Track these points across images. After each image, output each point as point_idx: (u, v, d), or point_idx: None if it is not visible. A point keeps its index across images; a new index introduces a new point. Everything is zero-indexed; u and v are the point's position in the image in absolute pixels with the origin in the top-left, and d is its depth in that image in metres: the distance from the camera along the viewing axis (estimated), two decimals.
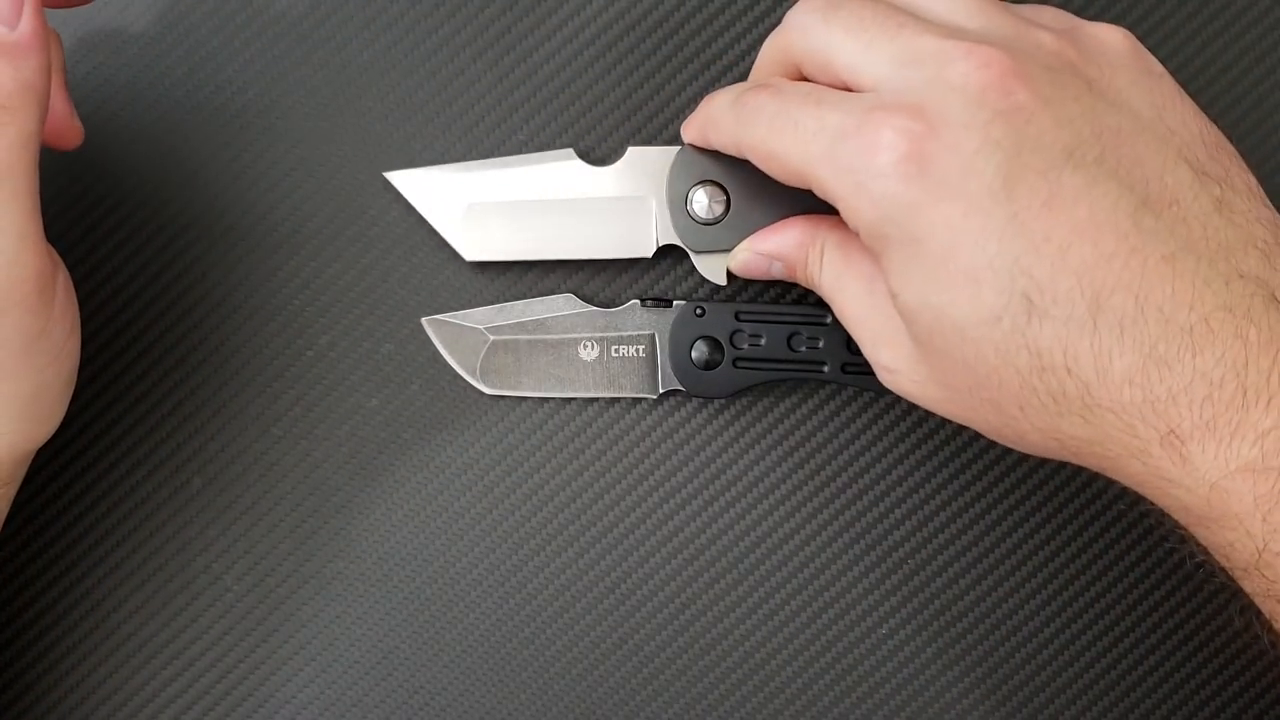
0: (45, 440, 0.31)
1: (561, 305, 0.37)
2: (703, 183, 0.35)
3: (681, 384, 0.36)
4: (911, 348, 0.30)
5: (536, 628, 0.37)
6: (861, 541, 0.37)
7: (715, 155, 0.36)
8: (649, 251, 0.36)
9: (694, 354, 0.36)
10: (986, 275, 0.27)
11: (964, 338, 0.28)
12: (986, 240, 0.27)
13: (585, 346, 0.36)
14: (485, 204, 0.36)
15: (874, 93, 0.28)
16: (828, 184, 0.29)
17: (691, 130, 0.34)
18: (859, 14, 0.29)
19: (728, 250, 0.36)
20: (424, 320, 0.37)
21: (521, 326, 0.36)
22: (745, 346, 0.36)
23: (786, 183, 0.31)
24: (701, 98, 0.37)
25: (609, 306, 0.37)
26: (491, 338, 0.36)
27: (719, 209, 0.35)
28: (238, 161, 0.37)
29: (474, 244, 0.36)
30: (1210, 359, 0.25)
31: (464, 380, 0.37)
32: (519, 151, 0.37)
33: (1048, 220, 0.26)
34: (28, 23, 0.27)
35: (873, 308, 0.31)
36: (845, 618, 0.37)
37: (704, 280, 0.36)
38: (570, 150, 0.36)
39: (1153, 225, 0.26)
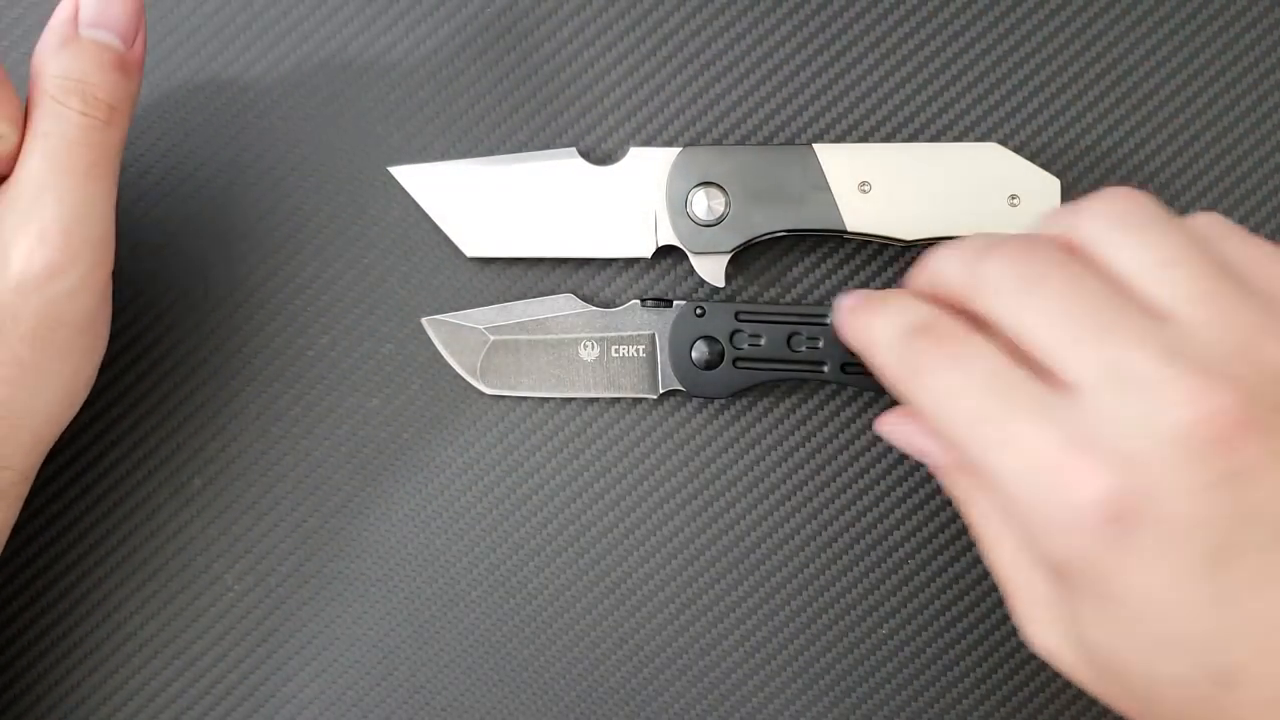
0: (61, 431, 0.32)
1: (562, 305, 0.36)
2: (703, 184, 0.35)
3: (681, 384, 0.36)
4: (1069, 633, 0.27)
5: (536, 628, 0.37)
6: (862, 541, 0.37)
7: (715, 156, 0.36)
8: (648, 252, 0.36)
9: (694, 354, 0.36)
10: (1183, 648, 0.24)
11: (1149, 687, 0.25)
12: (1189, 615, 0.24)
13: (585, 346, 0.36)
14: (487, 200, 0.36)
15: (1076, 414, 0.25)
16: (1009, 496, 0.26)
17: (852, 328, 0.30)
18: (1066, 297, 0.25)
19: (727, 252, 0.36)
20: (424, 320, 0.36)
21: (522, 326, 0.36)
22: (745, 346, 0.35)
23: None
24: (703, 98, 0.37)
25: (609, 307, 0.37)
26: (491, 338, 0.36)
27: (718, 210, 0.35)
28: (238, 161, 0.37)
29: (474, 240, 0.36)
30: None
31: (464, 380, 0.37)
32: (520, 152, 0.37)
33: (1259, 600, 0.24)
34: (140, 44, 0.31)
35: (1027, 570, 0.28)
36: (845, 618, 0.37)
37: (703, 281, 0.36)
38: (573, 149, 0.36)
39: None
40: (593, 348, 0.36)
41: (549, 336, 0.36)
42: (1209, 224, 0.27)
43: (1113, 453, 0.24)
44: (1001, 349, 0.26)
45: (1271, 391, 0.24)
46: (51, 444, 0.32)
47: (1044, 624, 0.27)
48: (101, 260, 0.30)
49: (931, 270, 0.29)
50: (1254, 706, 0.24)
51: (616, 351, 0.36)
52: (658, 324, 0.36)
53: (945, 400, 0.27)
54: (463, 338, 0.36)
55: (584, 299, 0.37)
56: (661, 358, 0.36)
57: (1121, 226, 0.26)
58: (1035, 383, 0.25)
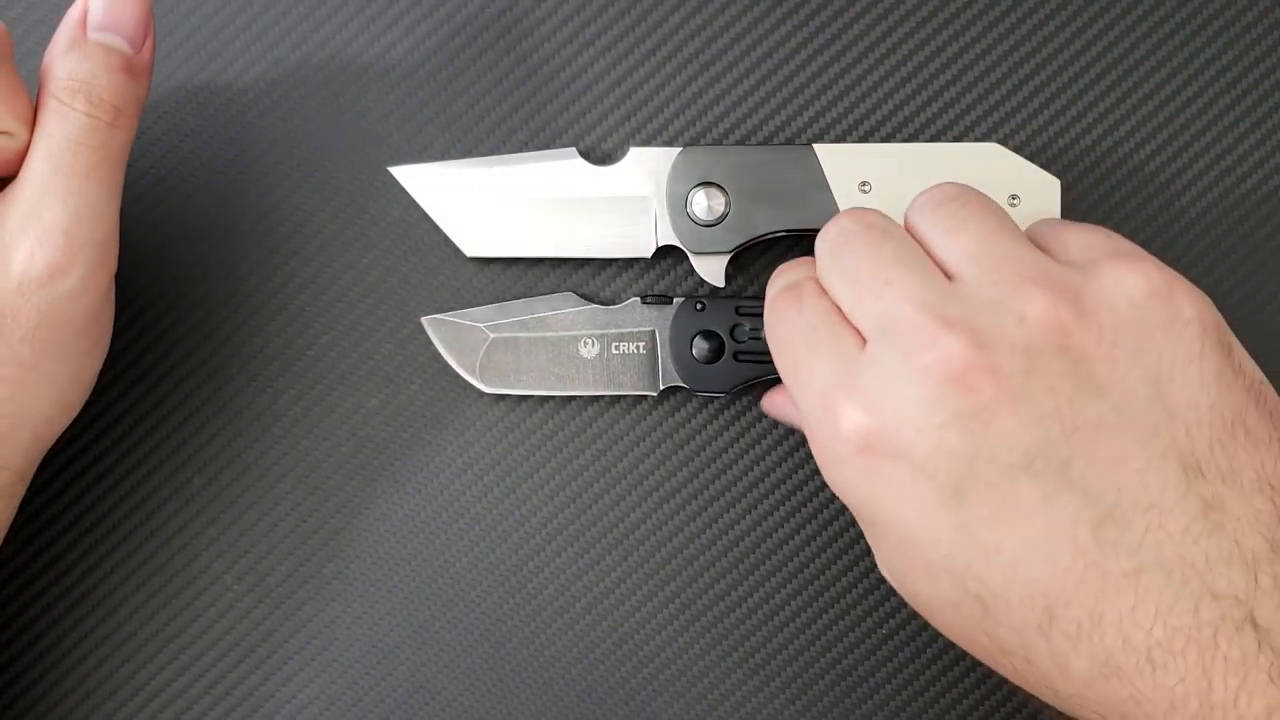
0: (60, 433, 0.32)
1: (561, 303, 0.36)
2: (703, 184, 0.35)
3: (682, 379, 0.36)
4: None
5: (536, 628, 0.37)
6: (862, 541, 0.37)
7: (715, 156, 0.36)
8: (648, 252, 0.36)
9: (694, 349, 0.35)
10: (941, 573, 0.26)
11: (931, 609, 0.28)
12: (938, 543, 0.26)
13: (586, 344, 0.36)
14: (487, 200, 0.36)
15: (855, 361, 0.28)
16: (806, 426, 0.30)
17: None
18: (855, 262, 0.29)
19: (727, 252, 0.36)
20: (424, 320, 0.36)
21: (522, 324, 0.36)
22: (746, 340, 0.35)
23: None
24: (703, 98, 0.37)
25: (609, 304, 0.37)
26: (491, 335, 0.36)
27: (718, 210, 0.35)
28: (238, 161, 0.37)
29: (474, 240, 0.36)
30: (1172, 677, 0.24)
31: (464, 380, 0.37)
32: (520, 152, 0.37)
33: (998, 531, 0.25)
34: (148, 48, 0.31)
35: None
36: (845, 618, 0.37)
37: (703, 281, 0.36)
38: (573, 149, 0.36)
39: (1116, 537, 0.25)
40: (593, 344, 0.36)
41: (549, 334, 0.36)
42: (1041, 221, 0.32)
43: (869, 393, 0.27)
44: (833, 308, 0.30)
45: (1021, 336, 0.26)
46: (50, 444, 0.32)
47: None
48: (103, 262, 0.30)
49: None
50: (1011, 629, 0.26)
51: (617, 348, 0.36)
52: (658, 320, 0.36)
53: (779, 346, 0.31)
54: (462, 336, 0.36)
55: (584, 298, 0.37)
56: (662, 354, 0.36)
57: (931, 204, 0.30)
58: (842, 336, 0.29)
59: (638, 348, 0.36)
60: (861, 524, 0.29)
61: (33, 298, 0.29)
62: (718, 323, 0.36)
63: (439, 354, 0.36)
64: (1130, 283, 0.27)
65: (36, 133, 0.30)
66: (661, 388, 0.36)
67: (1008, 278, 0.27)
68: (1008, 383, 0.26)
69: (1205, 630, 0.24)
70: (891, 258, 0.29)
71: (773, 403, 0.35)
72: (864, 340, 0.29)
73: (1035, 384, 0.26)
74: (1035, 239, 0.30)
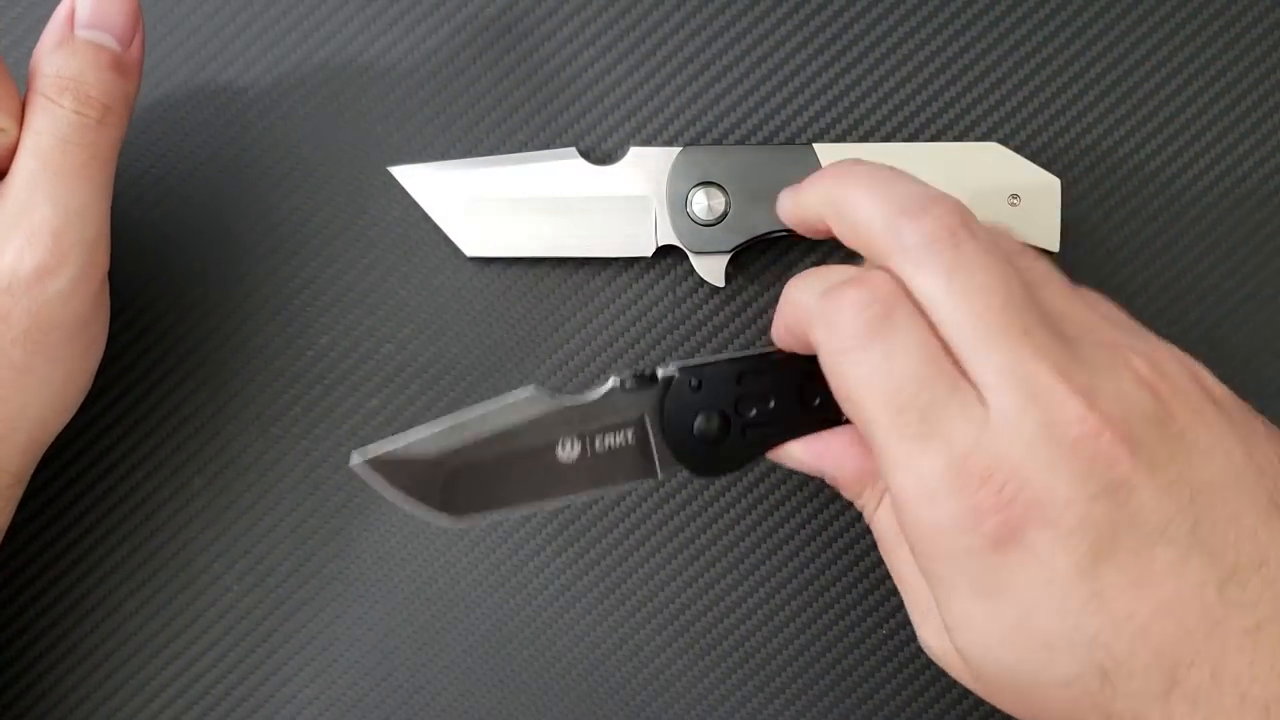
0: (55, 435, 0.32)
1: (526, 407, 0.30)
2: (703, 184, 0.35)
3: (686, 465, 0.31)
4: (954, 650, 0.28)
5: (537, 628, 0.37)
6: (863, 541, 0.37)
7: (715, 155, 0.36)
8: (648, 251, 0.36)
9: (695, 430, 0.31)
10: (1062, 645, 0.25)
11: (1029, 690, 0.26)
12: (1066, 614, 0.25)
13: (564, 447, 0.30)
14: (487, 200, 0.36)
15: (978, 417, 0.25)
16: (906, 491, 0.26)
17: (779, 328, 0.31)
18: (985, 292, 0.26)
19: (727, 251, 0.36)
20: (355, 458, 0.29)
21: (482, 444, 0.30)
22: (753, 413, 0.30)
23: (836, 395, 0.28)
24: (703, 98, 0.37)
25: (580, 393, 0.31)
26: (448, 466, 0.30)
27: (719, 210, 0.35)
28: (238, 161, 0.37)
29: (474, 240, 0.36)
30: None
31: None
32: (520, 151, 0.37)
33: (1133, 598, 0.25)
34: (137, 45, 0.31)
35: (917, 575, 0.29)
36: (845, 618, 0.37)
37: (699, 285, 0.36)
38: (573, 149, 0.36)
39: (1239, 596, 0.25)
40: (573, 446, 0.30)
41: (519, 446, 0.30)
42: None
43: (1012, 464, 0.25)
44: (939, 346, 0.26)
45: (1142, 406, 0.26)
46: (46, 447, 0.32)
47: (933, 628, 0.29)
48: (94, 262, 0.30)
49: (872, 236, 0.28)
50: (1133, 699, 0.25)
51: (601, 444, 0.31)
52: (644, 403, 0.31)
53: (864, 392, 0.27)
54: (412, 473, 0.30)
55: (584, 296, 0.36)
56: (655, 439, 0.31)
57: (1047, 275, 0.29)
58: (962, 389, 0.26)
59: (625, 438, 0.31)
60: (956, 595, 0.27)
61: (22, 299, 0.29)
62: (718, 398, 0.30)
63: (439, 354, 0.36)
64: (1177, 362, 0.27)
65: (24, 130, 0.29)
66: (660, 475, 0.31)
67: (1103, 341, 0.27)
68: (1143, 451, 0.25)
69: None
70: (1022, 298, 0.26)
71: (789, 453, 0.31)
72: (978, 390, 0.26)
73: (1162, 450, 0.25)
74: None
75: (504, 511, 0.30)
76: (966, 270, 0.26)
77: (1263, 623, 0.25)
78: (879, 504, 0.30)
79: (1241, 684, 0.24)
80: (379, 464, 0.29)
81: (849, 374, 0.27)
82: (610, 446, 0.30)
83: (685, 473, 0.31)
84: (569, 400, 0.30)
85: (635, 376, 0.31)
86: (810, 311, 0.28)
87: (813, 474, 0.31)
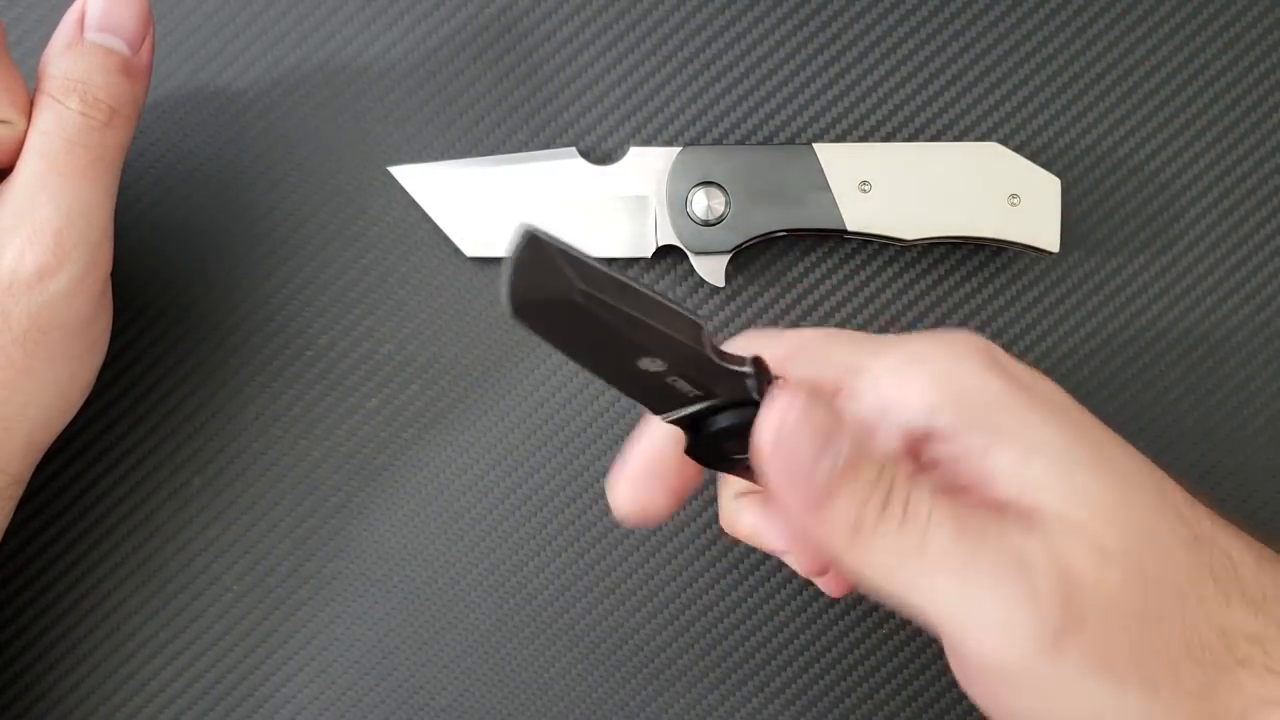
0: (56, 435, 0.32)
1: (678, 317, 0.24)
2: (703, 184, 0.35)
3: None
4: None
5: (536, 628, 0.37)
6: None
7: (715, 155, 0.36)
8: (648, 251, 0.36)
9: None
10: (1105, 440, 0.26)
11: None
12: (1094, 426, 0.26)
13: (650, 362, 0.26)
14: (487, 200, 0.36)
15: (1022, 542, 0.24)
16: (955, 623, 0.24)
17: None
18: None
19: (727, 251, 0.35)
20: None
21: (614, 308, 0.24)
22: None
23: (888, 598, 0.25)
24: (703, 98, 0.37)
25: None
26: (575, 293, 0.25)
27: (718, 210, 0.35)
28: (238, 161, 0.37)
29: (474, 240, 0.36)
30: None
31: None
32: (519, 151, 0.37)
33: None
34: (146, 49, 0.31)
35: (992, 542, 0.25)
36: (845, 618, 0.37)
37: (703, 281, 0.36)
38: (573, 149, 0.36)
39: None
40: (657, 367, 0.25)
41: (624, 323, 0.25)
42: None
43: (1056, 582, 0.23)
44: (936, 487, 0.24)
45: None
46: (46, 448, 0.32)
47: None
48: (96, 263, 0.30)
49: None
50: None
51: (676, 387, 0.25)
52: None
53: (893, 560, 0.24)
54: (551, 269, 0.25)
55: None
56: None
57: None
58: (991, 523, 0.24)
59: (691, 399, 0.26)
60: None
61: (23, 299, 0.29)
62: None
63: (439, 354, 0.36)
64: None
65: (31, 130, 0.29)
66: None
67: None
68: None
69: None
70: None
71: (746, 522, 0.30)
72: (1022, 513, 0.24)
73: None
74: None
75: (559, 348, 0.25)
76: None
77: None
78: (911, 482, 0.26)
79: None
80: (542, 245, 0.24)
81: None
82: (681, 391, 0.25)
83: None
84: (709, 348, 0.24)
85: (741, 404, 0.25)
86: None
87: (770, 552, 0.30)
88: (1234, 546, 0.26)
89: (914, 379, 0.26)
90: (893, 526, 0.23)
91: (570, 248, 0.25)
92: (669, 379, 0.25)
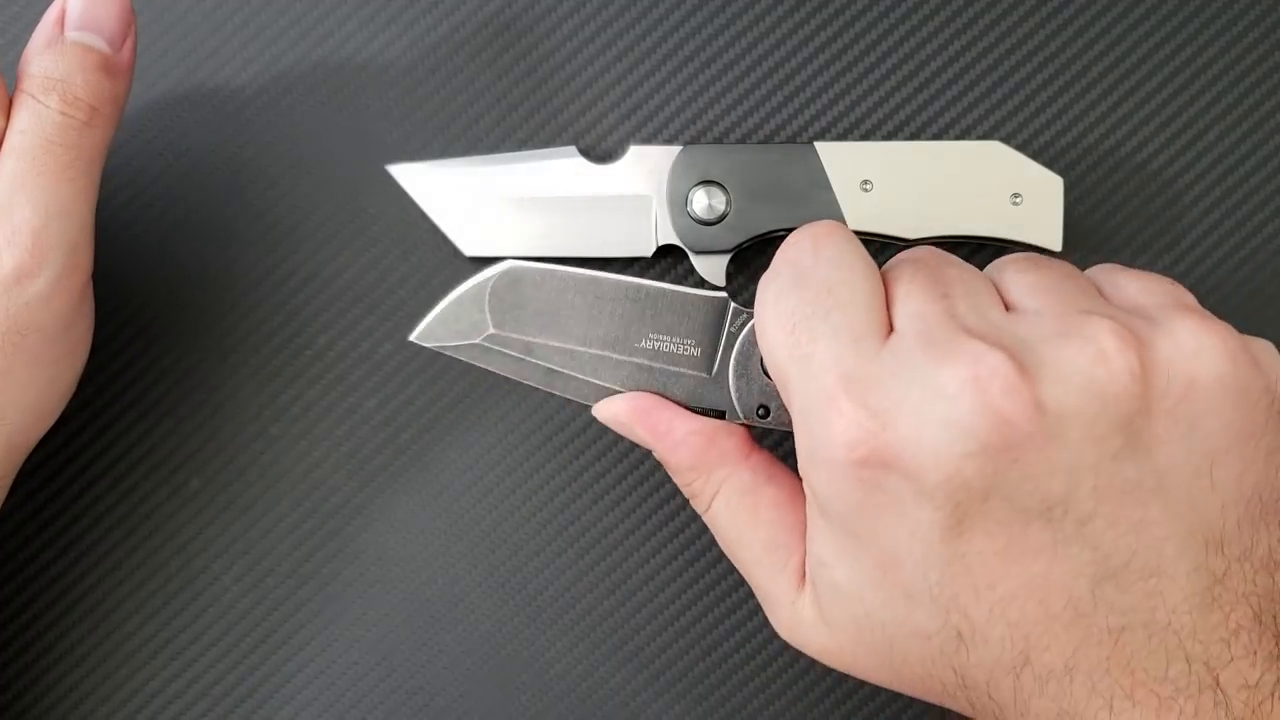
0: (38, 439, 0.31)
1: (704, 303, 0.31)
2: (703, 183, 0.35)
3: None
4: (813, 618, 0.28)
5: (537, 628, 0.37)
6: None
7: (716, 154, 0.35)
8: (648, 251, 0.36)
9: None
10: (923, 599, 0.25)
11: (889, 639, 0.26)
12: (927, 571, 0.25)
13: (647, 340, 0.31)
14: (486, 199, 0.36)
15: (873, 353, 0.25)
16: (795, 414, 0.27)
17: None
18: (919, 263, 0.27)
19: (727, 251, 0.35)
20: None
21: (591, 282, 0.31)
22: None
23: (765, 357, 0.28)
24: (703, 96, 0.37)
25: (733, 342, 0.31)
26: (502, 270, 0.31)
27: (719, 209, 0.35)
28: (235, 161, 0.37)
29: (474, 239, 0.36)
30: None
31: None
32: (519, 150, 0.37)
33: (996, 569, 0.24)
34: (128, 48, 0.30)
35: (776, 583, 0.29)
36: None
37: (703, 280, 0.36)
38: (573, 148, 0.36)
39: (1113, 597, 0.24)
40: (656, 346, 0.31)
41: (611, 301, 0.31)
42: (1100, 267, 0.29)
43: (885, 397, 0.24)
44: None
45: (1077, 379, 0.24)
46: (28, 452, 0.31)
47: (786, 611, 0.29)
48: (75, 265, 0.29)
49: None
50: (985, 667, 0.25)
51: (673, 365, 0.31)
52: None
53: (774, 295, 0.28)
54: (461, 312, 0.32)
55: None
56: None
57: (1007, 259, 0.28)
58: (867, 313, 0.26)
59: (692, 356, 0.32)
60: (832, 530, 0.26)
61: (1, 300, 0.28)
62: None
63: (439, 354, 0.36)
64: (1208, 343, 0.24)
65: (9, 129, 0.29)
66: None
67: (1072, 312, 0.25)
68: (1048, 421, 0.23)
69: (1168, 687, 0.24)
70: (956, 275, 0.26)
71: (611, 410, 0.31)
72: (890, 331, 0.26)
73: (1079, 430, 0.23)
74: (1095, 283, 0.28)
75: (535, 340, 0.31)
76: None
77: (1130, 626, 0.24)
78: (714, 496, 0.30)
79: (1092, 678, 0.24)
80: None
81: (768, 280, 0.28)
82: (678, 367, 0.31)
83: None
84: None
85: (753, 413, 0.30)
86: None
87: (637, 442, 0.31)
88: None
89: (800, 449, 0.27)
90: (700, 509, 0.31)
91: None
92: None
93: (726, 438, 0.30)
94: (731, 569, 0.36)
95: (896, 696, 0.36)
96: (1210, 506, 0.24)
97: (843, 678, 0.36)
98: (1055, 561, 0.24)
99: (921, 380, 0.24)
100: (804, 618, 0.28)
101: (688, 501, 0.36)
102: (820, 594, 0.27)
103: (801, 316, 0.26)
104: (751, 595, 0.36)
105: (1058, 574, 0.24)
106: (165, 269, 0.36)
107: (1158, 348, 0.24)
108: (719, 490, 0.30)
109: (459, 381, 0.36)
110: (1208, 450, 0.24)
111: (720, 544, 0.31)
